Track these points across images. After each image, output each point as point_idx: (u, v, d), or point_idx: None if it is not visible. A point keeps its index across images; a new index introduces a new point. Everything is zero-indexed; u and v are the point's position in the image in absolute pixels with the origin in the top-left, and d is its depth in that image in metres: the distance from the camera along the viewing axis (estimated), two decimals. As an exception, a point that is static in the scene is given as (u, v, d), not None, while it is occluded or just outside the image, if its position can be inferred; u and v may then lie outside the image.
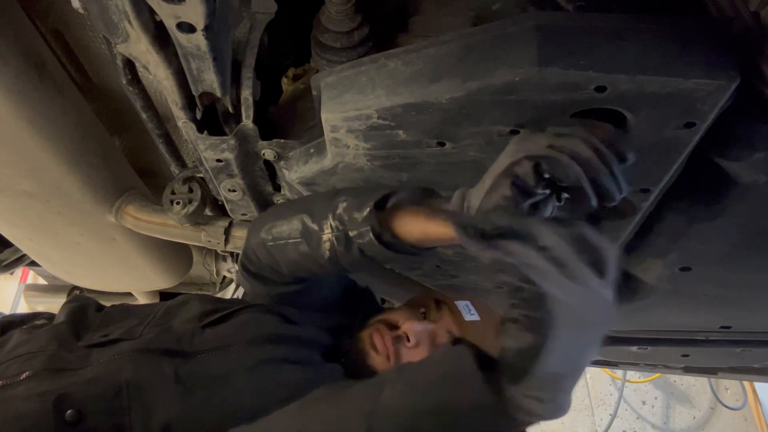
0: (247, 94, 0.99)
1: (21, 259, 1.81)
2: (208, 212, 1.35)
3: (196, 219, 1.28)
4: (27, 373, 0.88)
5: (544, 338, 0.60)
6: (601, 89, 0.70)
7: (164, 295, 2.21)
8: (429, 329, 1.08)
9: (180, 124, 1.01)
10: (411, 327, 1.06)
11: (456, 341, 0.74)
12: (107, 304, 2.23)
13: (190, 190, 1.28)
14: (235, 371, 0.92)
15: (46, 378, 0.87)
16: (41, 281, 2.39)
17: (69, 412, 0.83)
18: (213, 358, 0.93)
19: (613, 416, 4.31)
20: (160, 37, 0.84)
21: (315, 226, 0.92)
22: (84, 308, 1.11)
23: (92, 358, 0.92)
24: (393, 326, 1.08)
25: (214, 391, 0.89)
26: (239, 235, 1.34)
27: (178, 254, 1.72)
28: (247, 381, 0.91)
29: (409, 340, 1.05)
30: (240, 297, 2.21)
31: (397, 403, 0.70)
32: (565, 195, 0.71)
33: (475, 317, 1.12)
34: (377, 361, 1.03)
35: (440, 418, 0.66)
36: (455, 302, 1.13)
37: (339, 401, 0.77)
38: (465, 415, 0.65)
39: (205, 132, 1.02)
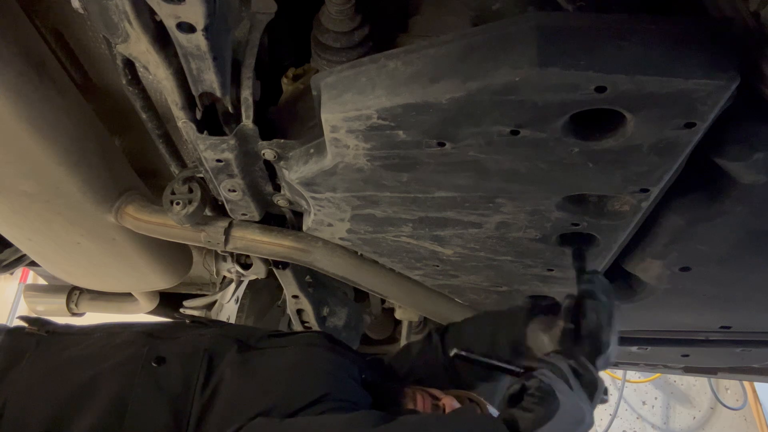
0: (247, 94, 0.99)
1: (21, 259, 1.81)
2: (208, 212, 1.35)
3: (196, 219, 1.28)
4: (128, 331, 1.21)
5: (550, 412, 0.91)
6: (601, 89, 0.70)
7: (164, 295, 2.21)
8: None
9: (180, 124, 1.01)
10: (450, 402, 1.24)
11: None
12: (107, 304, 2.23)
13: (190, 190, 1.28)
14: (283, 355, 1.17)
15: (142, 338, 1.18)
16: (41, 281, 2.38)
17: (156, 357, 1.10)
18: (271, 351, 1.18)
19: (613, 416, 4.31)
20: (160, 37, 0.84)
21: None
22: None
23: (181, 332, 1.23)
24: (434, 397, 1.26)
25: (261, 367, 1.12)
26: (239, 235, 1.34)
27: (178, 254, 1.72)
28: (290, 362, 1.15)
29: (444, 411, 1.23)
30: (239, 297, 2.21)
31: None
32: None
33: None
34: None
35: None
36: (486, 406, 1.25)
37: None
38: None
39: (205, 132, 1.02)
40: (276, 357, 1.17)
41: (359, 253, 1.34)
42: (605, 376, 4.50)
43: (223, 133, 1.03)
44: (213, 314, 2.20)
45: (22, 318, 1.29)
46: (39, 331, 1.22)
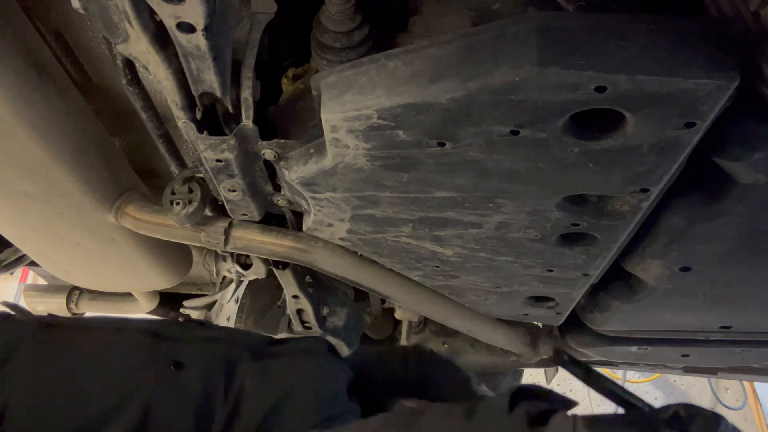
0: (247, 94, 0.99)
1: (21, 259, 1.81)
2: (208, 212, 1.35)
3: (196, 219, 1.28)
4: (130, 328, 1.14)
5: None
6: (601, 89, 0.70)
7: (164, 295, 2.21)
8: None
9: (180, 124, 1.01)
10: None
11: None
12: (107, 304, 2.23)
13: (190, 190, 1.28)
14: (295, 363, 1.19)
15: (150, 338, 1.12)
16: (41, 281, 2.38)
17: (174, 361, 1.06)
18: (282, 359, 1.19)
19: (613, 416, 4.30)
20: (160, 37, 0.84)
21: None
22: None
23: (186, 332, 1.19)
24: None
25: (281, 375, 1.14)
26: (239, 235, 1.34)
27: (178, 254, 1.72)
28: (309, 370, 1.17)
29: None
30: (239, 297, 2.22)
31: None
32: None
33: None
34: None
35: None
36: None
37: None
38: None
39: (205, 132, 1.02)
40: (291, 365, 1.19)
41: (359, 253, 1.34)
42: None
43: (223, 133, 1.03)
44: (213, 314, 2.21)
45: (5, 304, 1.22)
46: (29, 319, 1.14)
